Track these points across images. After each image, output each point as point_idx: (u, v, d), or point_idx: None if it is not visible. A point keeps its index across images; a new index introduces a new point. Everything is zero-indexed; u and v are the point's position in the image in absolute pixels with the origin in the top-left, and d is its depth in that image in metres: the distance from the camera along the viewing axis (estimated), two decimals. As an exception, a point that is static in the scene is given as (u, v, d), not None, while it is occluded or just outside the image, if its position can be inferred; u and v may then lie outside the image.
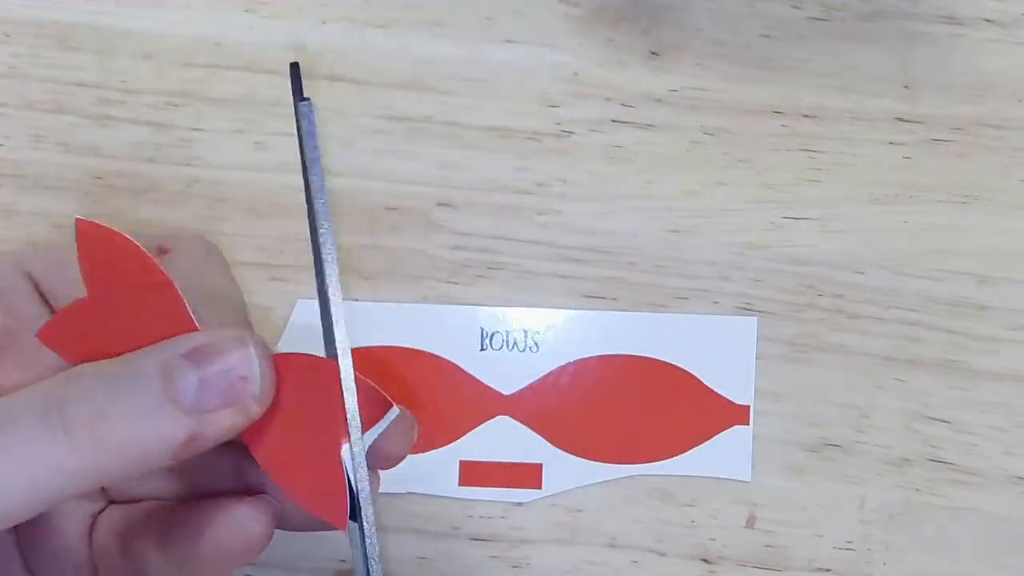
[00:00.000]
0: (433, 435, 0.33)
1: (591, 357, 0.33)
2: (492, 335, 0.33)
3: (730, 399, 0.33)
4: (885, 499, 0.34)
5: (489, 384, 0.33)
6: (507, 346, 0.33)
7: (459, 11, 0.35)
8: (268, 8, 0.36)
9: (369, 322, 0.33)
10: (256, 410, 0.25)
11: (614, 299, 0.34)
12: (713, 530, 0.34)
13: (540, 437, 0.33)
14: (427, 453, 0.33)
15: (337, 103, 0.35)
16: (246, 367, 0.24)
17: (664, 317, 0.34)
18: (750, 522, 0.34)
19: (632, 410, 0.33)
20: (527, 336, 0.34)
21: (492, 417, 0.33)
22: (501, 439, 0.33)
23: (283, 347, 0.32)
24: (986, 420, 0.34)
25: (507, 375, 0.33)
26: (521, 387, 0.33)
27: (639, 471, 0.33)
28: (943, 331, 0.34)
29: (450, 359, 0.33)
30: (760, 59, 0.35)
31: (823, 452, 0.34)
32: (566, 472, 0.33)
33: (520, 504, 0.34)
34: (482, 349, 0.33)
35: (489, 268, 0.34)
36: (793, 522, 0.34)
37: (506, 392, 0.33)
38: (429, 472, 0.33)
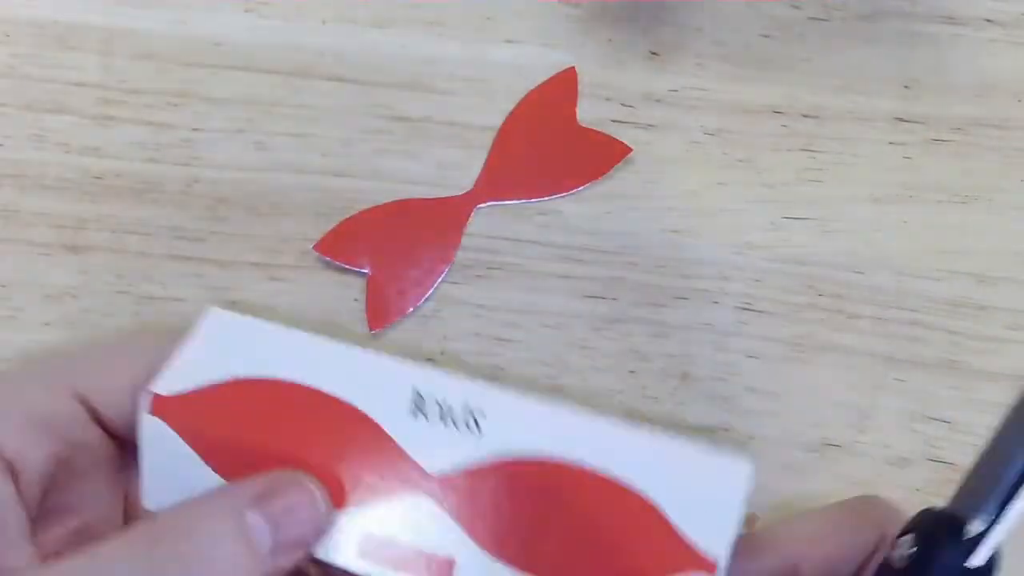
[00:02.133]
0: (341, 492, 0.28)
1: (542, 459, 0.28)
2: (427, 402, 0.29)
3: (697, 548, 0.27)
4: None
5: (414, 457, 0.28)
6: (443, 420, 0.28)
7: (459, 11, 0.35)
8: (268, 8, 0.36)
9: (288, 351, 0.29)
10: (317, 544, 0.27)
11: (614, 299, 0.34)
12: (713, 530, 0.34)
13: (461, 530, 0.28)
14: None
15: (337, 103, 0.35)
16: (312, 508, 0.27)
17: (641, 436, 0.28)
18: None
19: (575, 532, 0.28)
20: (469, 413, 0.29)
21: (411, 494, 0.28)
22: (417, 521, 0.28)
23: (187, 348, 0.29)
24: (986, 420, 0.34)
25: (436, 453, 0.28)
26: (450, 471, 0.28)
27: None
28: (943, 331, 0.34)
29: (374, 417, 0.29)
30: (760, 59, 0.35)
31: (823, 452, 0.34)
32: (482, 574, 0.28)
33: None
34: (413, 415, 0.29)
35: (489, 268, 0.34)
36: (793, 522, 0.34)
37: (432, 471, 0.28)
38: (328, 531, 0.28)
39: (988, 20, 0.35)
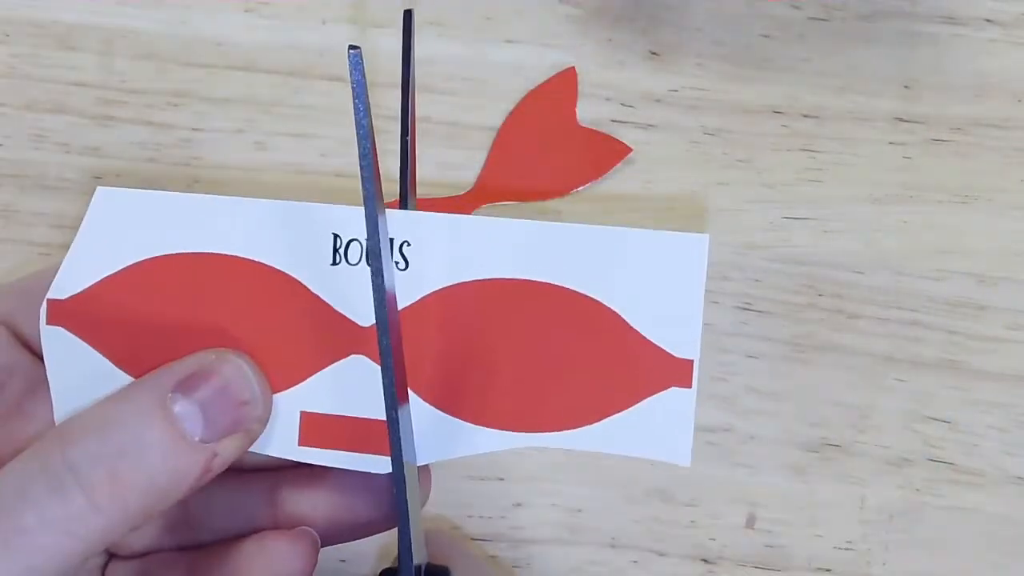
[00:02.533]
0: (272, 367, 0.25)
1: (481, 280, 0.25)
2: (348, 244, 0.25)
3: (667, 350, 0.24)
4: (885, 499, 0.34)
5: (341, 311, 0.25)
6: (368, 259, 0.25)
7: (459, 11, 0.35)
8: (268, 8, 0.36)
9: (188, 219, 0.26)
10: (259, 430, 0.25)
11: (614, 299, 0.34)
12: (713, 530, 0.34)
13: (407, 388, 0.25)
14: None
15: (337, 103, 0.35)
16: (244, 387, 0.24)
17: (582, 229, 0.25)
18: (750, 522, 0.34)
19: (531, 359, 0.25)
20: (395, 247, 0.25)
21: (344, 356, 0.25)
22: (354, 386, 0.25)
23: (81, 240, 0.26)
24: (986, 420, 0.34)
25: (366, 300, 0.24)
26: None
27: (538, 442, 0.25)
28: (943, 331, 0.34)
29: (292, 274, 0.25)
30: (760, 59, 0.35)
31: (823, 452, 0.34)
32: (438, 437, 0.25)
33: (519, 505, 0.34)
34: (334, 263, 0.25)
35: (489, 268, 0.34)
36: (793, 522, 0.34)
37: (363, 323, 0.25)
38: (268, 414, 0.25)
39: (988, 20, 0.35)
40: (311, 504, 0.27)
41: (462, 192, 0.35)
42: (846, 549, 0.34)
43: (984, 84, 0.35)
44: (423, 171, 0.35)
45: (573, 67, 0.35)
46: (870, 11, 0.35)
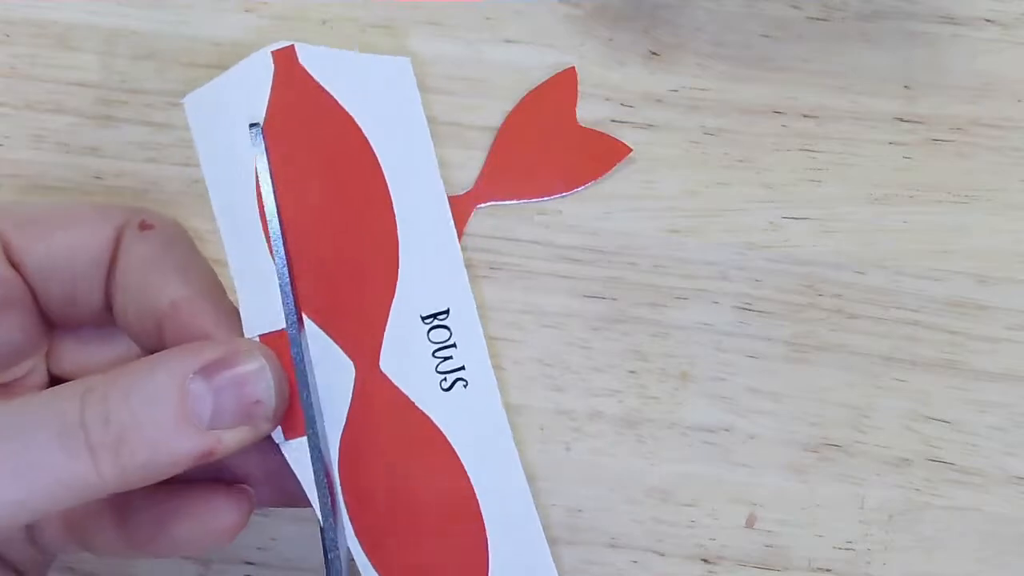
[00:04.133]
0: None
1: None
2: None
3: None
4: (885, 499, 0.34)
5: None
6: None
7: (459, 11, 0.35)
8: (268, 8, 0.36)
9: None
10: (268, 428, 0.26)
11: (614, 299, 0.34)
12: (713, 530, 0.34)
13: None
14: None
15: (337, 103, 0.35)
16: (261, 386, 0.25)
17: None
18: (750, 522, 0.34)
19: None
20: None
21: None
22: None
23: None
24: (986, 420, 0.34)
25: None
26: None
27: None
28: (943, 331, 0.34)
29: None
30: (760, 59, 0.35)
31: (823, 452, 0.34)
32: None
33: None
34: None
35: (490, 268, 0.34)
36: (793, 522, 0.34)
37: None
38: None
39: (988, 20, 0.35)
40: (248, 463, 0.28)
41: (462, 192, 0.35)
42: (846, 549, 0.34)
43: (984, 84, 0.35)
44: (423, 171, 0.35)
45: (573, 67, 0.35)
46: (870, 11, 0.35)
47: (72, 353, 0.29)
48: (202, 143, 0.27)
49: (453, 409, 0.27)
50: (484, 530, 0.27)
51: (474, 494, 0.27)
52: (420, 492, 0.27)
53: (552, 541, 0.34)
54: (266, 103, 0.27)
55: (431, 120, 0.35)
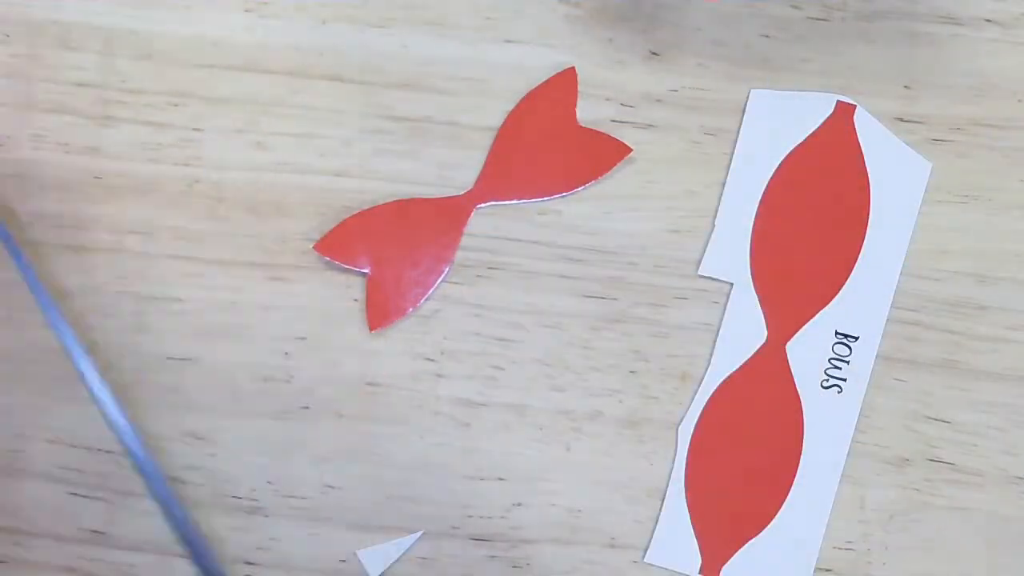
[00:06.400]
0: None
1: None
2: None
3: None
4: (885, 499, 0.34)
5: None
6: None
7: (459, 11, 0.35)
8: (268, 8, 0.36)
9: None
10: None
11: (614, 299, 0.34)
12: (713, 530, 0.34)
13: None
14: None
15: (337, 103, 0.35)
16: None
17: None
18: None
19: None
20: None
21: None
22: None
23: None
24: (986, 420, 0.34)
25: None
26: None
27: None
28: (943, 331, 0.34)
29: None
30: (760, 59, 0.35)
31: (823, 452, 0.34)
32: None
33: (519, 505, 0.34)
34: None
35: (489, 268, 0.34)
36: (793, 522, 0.34)
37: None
38: None
39: (988, 20, 0.35)
40: None
41: (462, 192, 0.35)
42: (846, 549, 0.34)
43: (984, 84, 0.35)
44: (423, 171, 0.35)
45: (573, 67, 0.35)
46: (870, 11, 0.35)
47: None
48: (747, 131, 0.34)
49: (821, 403, 0.33)
50: (785, 495, 0.33)
51: (796, 469, 0.33)
52: (755, 448, 0.33)
53: (552, 541, 0.34)
54: (809, 131, 0.34)
55: (431, 119, 0.35)
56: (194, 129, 0.35)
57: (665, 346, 0.34)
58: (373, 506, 0.34)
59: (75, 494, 0.34)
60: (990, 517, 0.34)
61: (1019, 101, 0.35)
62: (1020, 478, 0.34)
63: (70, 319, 0.33)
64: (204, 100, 0.35)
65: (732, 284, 0.34)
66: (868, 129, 0.34)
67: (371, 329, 0.34)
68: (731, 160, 0.34)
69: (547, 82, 0.35)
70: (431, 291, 0.34)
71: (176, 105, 0.35)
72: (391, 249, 0.34)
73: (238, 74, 0.35)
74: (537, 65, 0.35)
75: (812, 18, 0.35)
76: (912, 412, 0.34)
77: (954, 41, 0.35)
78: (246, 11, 0.36)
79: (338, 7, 0.36)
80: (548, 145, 0.35)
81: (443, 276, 0.34)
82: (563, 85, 0.35)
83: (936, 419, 0.34)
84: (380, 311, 0.34)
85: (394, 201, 0.34)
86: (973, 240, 0.35)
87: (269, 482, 0.34)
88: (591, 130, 0.35)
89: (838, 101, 0.34)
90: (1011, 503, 0.34)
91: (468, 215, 0.35)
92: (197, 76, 0.35)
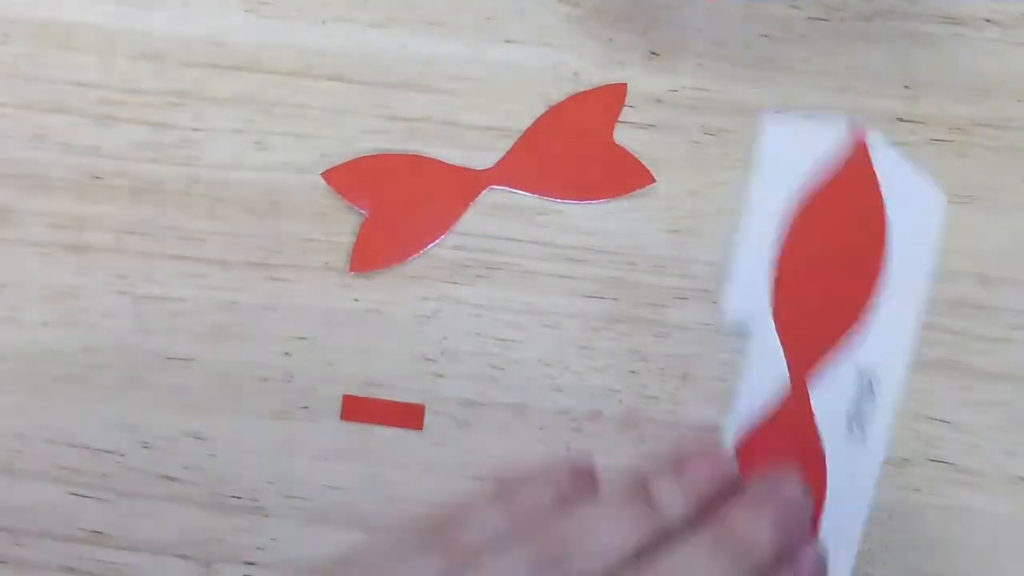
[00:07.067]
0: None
1: None
2: None
3: None
4: (885, 499, 0.34)
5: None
6: None
7: (459, 11, 0.35)
8: (268, 8, 0.36)
9: None
10: None
11: (614, 299, 0.34)
12: (713, 530, 0.34)
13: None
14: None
15: (337, 103, 0.35)
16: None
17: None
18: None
19: None
20: None
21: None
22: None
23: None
24: (986, 420, 0.34)
25: None
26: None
27: None
28: (943, 331, 0.34)
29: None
30: (760, 59, 0.35)
31: (823, 452, 0.34)
32: None
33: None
34: None
35: (489, 268, 0.34)
36: (793, 522, 0.34)
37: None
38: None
39: (988, 20, 0.35)
40: None
41: (481, 168, 0.35)
42: (846, 549, 0.34)
43: (984, 84, 0.35)
44: (423, 171, 0.35)
45: (624, 84, 0.35)
46: (870, 11, 0.35)
47: None
48: (762, 167, 0.32)
49: (844, 445, 0.31)
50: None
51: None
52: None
53: (552, 541, 0.34)
54: (824, 163, 0.32)
55: (430, 119, 0.35)
56: (194, 129, 0.35)
57: (665, 346, 0.34)
58: (373, 506, 0.34)
59: (75, 494, 0.34)
60: (990, 517, 0.34)
61: (1019, 101, 0.35)
62: (1020, 478, 0.34)
63: (70, 319, 0.33)
64: (204, 100, 0.35)
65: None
66: (883, 157, 0.32)
67: (351, 270, 0.34)
68: (746, 197, 0.32)
69: (596, 90, 0.35)
70: (421, 252, 0.34)
71: (176, 105, 0.35)
72: (395, 198, 0.34)
73: (238, 74, 0.35)
74: (537, 65, 0.35)
75: (812, 18, 0.35)
76: (912, 412, 0.34)
77: (954, 41, 0.35)
78: (246, 11, 0.36)
79: (338, 7, 0.36)
80: (577, 151, 0.35)
81: (436, 242, 0.34)
82: (610, 97, 0.35)
83: (936, 419, 0.34)
84: (365, 255, 0.34)
85: (412, 154, 0.34)
86: (973, 240, 0.35)
87: (269, 482, 0.34)
88: (623, 149, 0.35)
89: (852, 128, 0.32)
90: (1011, 503, 0.34)
91: (479, 191, 0.34)
92: (197, 76, 0.35)
